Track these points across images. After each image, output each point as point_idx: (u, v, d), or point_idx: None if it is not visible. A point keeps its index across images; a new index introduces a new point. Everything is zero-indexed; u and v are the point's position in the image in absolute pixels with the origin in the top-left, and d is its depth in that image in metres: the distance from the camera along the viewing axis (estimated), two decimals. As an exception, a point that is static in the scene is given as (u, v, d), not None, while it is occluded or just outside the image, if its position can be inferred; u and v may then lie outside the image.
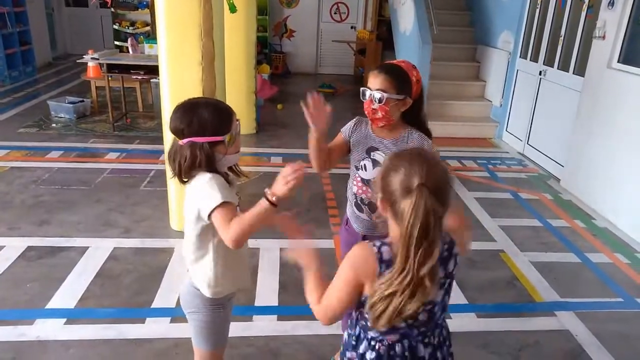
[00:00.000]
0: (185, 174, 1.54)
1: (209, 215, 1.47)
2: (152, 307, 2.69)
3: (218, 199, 1.46)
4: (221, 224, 1.46)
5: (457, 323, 2.69)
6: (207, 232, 1.57)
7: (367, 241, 1.26)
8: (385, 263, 1.20)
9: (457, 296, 2.92)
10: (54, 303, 2.68)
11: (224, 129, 1.53)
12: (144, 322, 2.57)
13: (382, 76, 1.77)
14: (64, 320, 2.55)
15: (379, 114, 1.78)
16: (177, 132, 1.53)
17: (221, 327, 1.78)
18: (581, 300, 2.95)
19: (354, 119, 1.97)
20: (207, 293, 1.65)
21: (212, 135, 1.51)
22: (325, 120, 1.72)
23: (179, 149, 1.53)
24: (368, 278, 1.21)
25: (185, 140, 1.51)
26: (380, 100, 1.75)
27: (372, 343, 1.31)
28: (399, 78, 1.78)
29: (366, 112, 1.83)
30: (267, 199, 1.41)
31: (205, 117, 1.50)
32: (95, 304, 2.69)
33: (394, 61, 1.89)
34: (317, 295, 1.33)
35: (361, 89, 1.82)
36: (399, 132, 1.87)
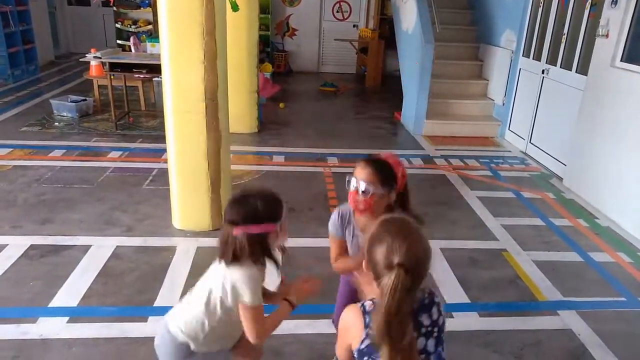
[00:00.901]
0: (237, 260, 1.58)
1: (238, 306, 1.59)
2: (154, 305, 2.70)
3: (254, 300, 1.57)
4: (249, 323, 1.60)
5: (459, 322, 2.69)
6: (224, 306, 1.61)
7: (353, 306, 1.35)
8: (369, 314, 1.29)
9: (459, 295, 2.92)
10: (56, 301, 2.69)
11: (275, 217, 1.59)
12: (146, 321, 2.57)
13: (368, 169, 1.80)
14: (67, 318, 2.56)
15: (362, 206, 1.83)
16: (231, 223, 1.57)
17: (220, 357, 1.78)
18: (584, 299, 2.95)
19: (335, 213, 2.00)
20: (191, 345, 1.65)
21: (266, 223, 1.57)
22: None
23: (232, 239, 1.56)
24: (355, 339, 1.31)
25: (239, 231, 1.55)
26: (365, 193, 1.79)
27: None
28: (384, 173, 1.82)
29: (350, 202, 1.87)
30: (290, 303, 1.70)
31: (259, 207, 1.57)
32: (97, 303, 2.70)
33: (382, 155, 1.92)
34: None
35: (347, 178, 1.86)
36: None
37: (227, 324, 1.65)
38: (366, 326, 1.28)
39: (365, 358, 1.29)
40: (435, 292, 1.38)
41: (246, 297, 1.57)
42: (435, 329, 1.34)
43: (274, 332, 2.48)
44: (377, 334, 1.21)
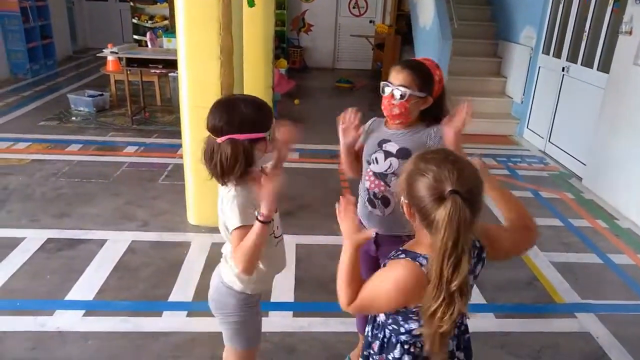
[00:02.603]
0: (226, 174, 1.46)
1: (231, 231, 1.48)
2: (169, 300, 2.71)
3: (237, 222, 1.44)
4: (233, 247, 1.47)
5: (475, 323, 2.61)
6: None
7: (410, 259, 1.19)
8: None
9: (475, 296, 2.88)
10: (72, 295, 2.71)
11: (264, 125, 1.48)
12: (160, 316, 2.59)
13: (405, 72, 1.73)
14: (83, 312, 2.58)
15: (397, 110, 1.75)
16: (215, 131, 1.46)
17: (256, 324, 1.74)
18: (602, 302, 2.89)
19: (371, 120, 1.95)
20: (245, 289, 1.59)
21: (253, 132, 1.45)
22: (353, 134, 1.79)
23: (217, 148, 1.45)
24: (416, 300, 1.17)
25: (224, 138, 1.44)
26: (402, 97, 1.71)
27: (406, 346, 1.30)
28: (422, 75, 1.74)
29: (383, 107, 1.79)
30: (261, 222, 1.41)
31: (246, 113, 1.45)
32: (113, 297, 2.72)
33: (418, 58, 1.85)
34: (350, 292, 1.26)
35: (381, 83, 1.78)
36: (416, 127, 1.83)
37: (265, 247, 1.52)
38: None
39: (411, 315, 1.22)
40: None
41: (229, 219, 1.45)
42: (474, 280, 1.26)
43: (289, 329, 2.51)
44: (431, 269, 1.09)
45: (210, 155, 1.48)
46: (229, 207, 1.46)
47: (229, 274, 1.62)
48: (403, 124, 1.81)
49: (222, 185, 1.51)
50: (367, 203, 1.92)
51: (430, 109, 1.80)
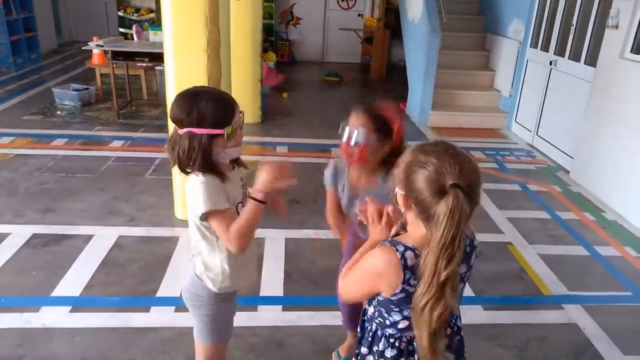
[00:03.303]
0: (184, 164, 1.49)
1: (205, 219, 1.47)
2: (157, 295, 2.68)
3: (207, 205, 1.44)
4: (218, 231, 1.47)
5: (463, 315, 2.65)
6: (210, 228, 1.53)
7: (389, 245, 1.19)
8: (409, 270, 1.15)
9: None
10: (59, 291, 2.68)
11: (224, 122, 1.47)
12: (148, 311, 2.56)
13: (364, 116, 1.74)
14: (69, 308, 2.55)
15: (355, 157, 1.75)
16: (177, 122, 1.48)
17: (227, 320, 1.75)
18: (590, 293, 2.92)
19: (329, 167, 1.99)
20: (213, 287, 1.61)
21: (212, 127, 1.45)
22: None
23: (178, 139, 1.48)
24: (389, 287, 1.18)
25: (184, 130, 1.46)
26: (359, 141, 1.71)
27: (392, 340, 1.29)
28: (379, 122, 1.74)
29: (342, 152, 1.80)
30: (255, 199, 1.42)
31: (205, 108, 1.45)
32: (100, 292, 2.69)
33: (379, 105, 1.84)
34: (347, 268, 1.30)
35: (341, 125, 1.78)
36: (377, 176, 1.82)
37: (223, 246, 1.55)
38: (404, 282, 1.15)
39: (392, 306, 1.22)
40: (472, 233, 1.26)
41: (202, 205, 1.44)
42: (469, 273, 1.26)
43: (279, 323, 2.50)
44: (425, 262, 1.08)
45: (172, 145, 1.50)
46: (196, 194, 1.46)
47: (202, 270, 1.62)
48: (364, 170, 1.82)
49: (184, 173, 1.53)
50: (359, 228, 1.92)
51: (392, 157, 1.75)
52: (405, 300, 1.19)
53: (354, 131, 1.72)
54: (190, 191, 1.49)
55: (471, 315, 2.67)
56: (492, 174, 4.65)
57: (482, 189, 1.13)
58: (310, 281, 2.88)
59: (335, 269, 3.04)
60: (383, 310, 1.26)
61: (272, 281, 2.85)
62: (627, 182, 3.89)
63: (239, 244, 1.45)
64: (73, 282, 2.75)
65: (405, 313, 1.23)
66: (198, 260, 1.63)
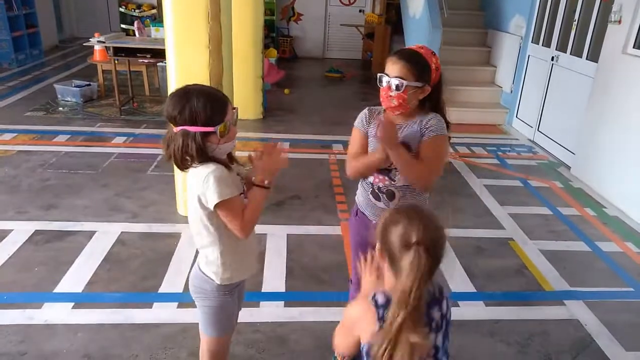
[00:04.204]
0: (180, 162, 1.52)
1: (215, 208, 1.51)
2: (159, 292, 2.69)
3: (221, 195, 1.48)
4: (227, 218, 1.52)
5: (465, 311, 2.67)
6: (212, 220, 1.56)
7: (364, 296, 1.31)
8: (381, 307, 1.24)
9: (465, 284, 2.90)
10: (61, 287, 2.69)
11: (216, 119, 1.49)
12: (151, 307, 2.57)
13: (402, 63, 1.71)
14: (72, 304, 2.56)
15: (395, 102, 1.74)
16: (170, 120, 1.51)
17: (229, 313, 1.77)
18: (591, 289, 2.92)
19: (364, 111, 1.93)
20: (215, 279, 1.64)
21: (204, 125, 1.47)
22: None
23: (172, 137, 1.50)
24: (367, 329, 1.26)
25: (178, 128, 1.48)
26: (398, 88, 1.70)
27: None
28: (419, 65, 1.73)
29: (382, 99, 1.78)
30: (261, 186, 1.56)
31: (197, 106, 1.46)
32: (102, 289, 2.70)
33: (413, 46, 1.83)
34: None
35: (378, 74, 1.77)
36: (415, 117, 1.82)
37: (232, 240, 1.59)
38: (380, 319, 1.24)
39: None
40: (444, 285, 1.37)
41: (211, 196, 1.48)
42: (444, 323, 1.32)
43: (281, 319, 2.51)
44: (391, 319, 1.18)
45: (167, 143, 1.53)
46: (207, 183, 1.48)
47: (205, 263, 1.67)
48: (403, 114, 1.80)
49: (181, 170, 1.56)
50: (370, 196, 1.92)
51: (429, 97, 1.79)
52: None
53: (392, 82, 1.70)
54: (199, 182, 1.50)
55: (472, 311, 2.68)
56: (493, 170, 4.65)
57: (445, 247, 1.25)
58: (312, 277, 2.88)
59: (337, 264, 3.05)
60: None
61: (274, 277, 2.86)
62: (628, 178, 3.88)
63: (248, 230, 1.55)
64: (75, 279, 2.76)
65: None
66: (201, 254, 1.67)
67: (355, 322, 1.31)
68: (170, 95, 1.53)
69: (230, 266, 1.64)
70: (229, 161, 1.61)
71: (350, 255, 2.14)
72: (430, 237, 1.22)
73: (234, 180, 1.56)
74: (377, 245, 1.30)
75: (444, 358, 1.32)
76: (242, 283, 1.79)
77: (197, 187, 1.52)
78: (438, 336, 1.30)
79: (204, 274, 1.67)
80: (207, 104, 1.48)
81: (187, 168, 1.54)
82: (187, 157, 1.50)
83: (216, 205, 1.49)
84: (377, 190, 1.89)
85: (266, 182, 1.56)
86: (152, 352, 2.28)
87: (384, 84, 1.74)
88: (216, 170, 1.49)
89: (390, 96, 1.73)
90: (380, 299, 1.26)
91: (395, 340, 1.18)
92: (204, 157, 1.50)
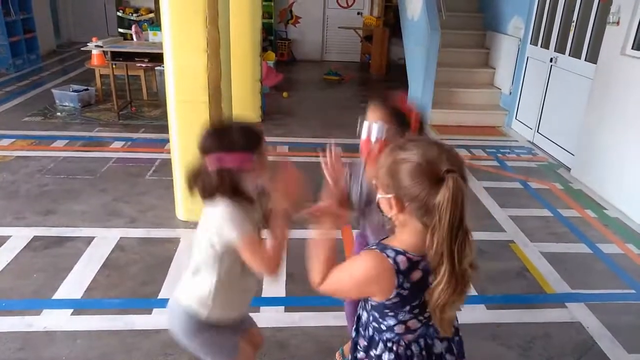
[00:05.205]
0: (212, 194, 1.49)
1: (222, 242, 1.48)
2: (159, 297, 2.67)
3: (243, 233, 1.45)
4: (251, 258, 1.47)
5: (466, 314, 2.64)
6: (217, 257, 1.52)
7: (378, 251, 1.18)
8: (402, 274, 1.14)
9: (466, 287, 2.88)
10: (60, 293, 2.67)
11: (253, 148, 1.50)
12: (150, 313, 2.56)
13: (382, 109, 1.73)
14: (71, 310, 2.54)
15: (376, 152, 1.70)
16: (204, 150, 1.49)
17: (232, 340, 1.67)
18: (592, 291, 2.91)
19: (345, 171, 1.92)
20: (201, 315, 1.57)
21: (240, 156, 1.46)
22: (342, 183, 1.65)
23: (204, 169, 1.48)
24: (382, 293, 1.17)
25: (211, 158, 1.47)
26: (379, 133, 1.69)
27: (389, 344, 1.28)
28: (398, 114, 1.73)
29: (362, 151, 1.77)
30: (283, 216, 1.52)
31: (234, 137, 1.48)
32: (101, 295, 2.68)
33: (393, 97, 1.82)
34: (320, 270, 1.30)
35: (358, 121, 1.76)
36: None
37: (230, 276, 1.54)
38: (399, 286, 1.14)
39: (386, 310, 1.22)
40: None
41: (232, 233, 1.44)
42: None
43: (281, 324, 2.49)
44: (437, 255, 1.08)
45: (195, 176, 1.51)
46: (227, 221, 1.46)
47: (185, 295, 1.59)
48: None
49: (209, 201, 1.51)
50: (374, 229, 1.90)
51: None
52: (400, 304, 1.19)
53: (373, 126, 1.70)
54: (215, 217, 1.49)
55: (474, 314, 2.66)
56: (493, 172, 4.64)
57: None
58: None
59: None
60: (377, 315, 1.26)
61: (274, 282, 2.84)
62: (629, 179, 3.88)
63: (275, 267, 1.49)
64: (74, 285, 2.74)
65: (401, 317, 1.22)
66: (186, 283, 1.60)
67: (367, 281, 1.18)
68: (205, 130, 1.53)
69: (221, 303, 1.57)
70: (260, 193, 1.59)
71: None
72: (456, 162, 1.09)
73: (251, 215, 1.53)
74: (386, 198, 1.15)
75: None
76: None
77: (214, 222, 1.49)
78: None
79: (185, 309, 1.58)
80: (243, 133, 1.50)
81: (215, 200, 1.50)
82: (221, 188, 1.47)
83: (238, 242, 1.46)
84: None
85: (285, 211, 1.51)
86: (152, 359, 2.26)
87: (364, 133, 1.73)
88: (234, 207, 1.47)
89: (370, 146, 1.72)
90: (403, 264, 1.13)
91: (462, 279, 1.09)
92: (238, 187, 1.48)
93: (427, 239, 1.10)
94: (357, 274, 1.20)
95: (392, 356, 1.27)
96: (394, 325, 1.24)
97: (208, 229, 1.51)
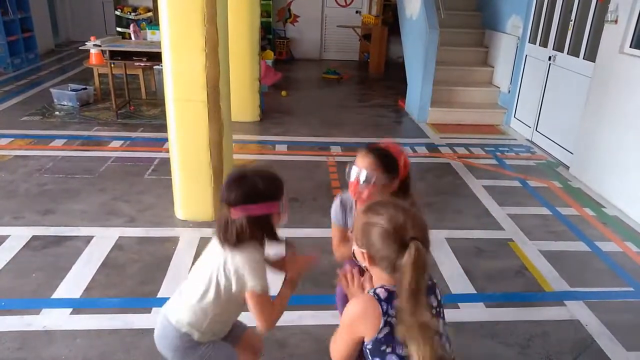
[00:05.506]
0: (241, 244, 1.51)
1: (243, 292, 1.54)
2: (157, 296, 2.67)
3: (261, 286, 1.52)
4: (260, 311, 1.54)
5: (465, 313, 2.66)
6: (230, 296, 1.55)
7: (366, 292, 1.30)
8: (385, 301, 1.23)
9: (465, 286, 2.89)
10: (59, 293, 2.67)
11: (277, 196, 1.53)
12: (150, 312, 2.55)
13: (370, 157, 1.77)
14: (70, 310, 2.54)
15: (365, 195, 1.78)
16: (230, 202, 1.50)
17: (227, 351, 1.70)
18: (591, 289, 2.92)
19: (335, 202, 1.99)
20: (193, 336, 1.59)
21: (267, 204, 1.50)
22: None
23: (231, 220, 1.49)
24: (371, 330, 1.25)
25: (238, 211, 1.48)
26: (367, 180, 1.75)
27: None
28: (387, 160, 1.78)
29: (351, 192, 1.83)
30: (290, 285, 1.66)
31: (260, 186, 1.50)
32: (100, 294, 2.68)
33: (383, 144, 1.88)
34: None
35: (347, 168, 1.81)
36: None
37: (230, 308, 1.61)
38: (384, 313, 1.23)
39: (383, 347, 1.24)
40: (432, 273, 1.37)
41: (253, 283, 1.51)
42: (441, 309, 1.34)
43: (280, 323, 2.48)
44: (404, 314, 1.18)
45: (225, 228, 1.51)
46: (250, 270, 1.51)
47: (178, 316, 1.60)
48: None
49: (231, 250, 1.53)
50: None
51: (397, 193, 1.82)
52: (392, 335, 1.23)
53: (362, 172, 1.76)
54: (241, 263, 1.51)
55: (473, 312, 2.67)
56: (491, 171, 4.65)
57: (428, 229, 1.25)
58: (310, 280, 2.86)
59: (336, 267, 3.03)
60: (378, 359, 1.27)
61: (273, 281, 2.83)
62: (628, 177, 3.88)
63: (273, 324, 1.59)
64: (73, 284, 2.74)
65: (399, 351, 1.25)
66: (181, 307, 1.61)
67: (356, 319, 1.28)
68: (228, 180, 1.54)
69: (213, 330, 1.62)
70: (274, 239, 1.62)
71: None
72: (421, 229, 1.21)
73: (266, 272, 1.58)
74: (360, 251, 1.28)
75: (447, 343, 1.31)
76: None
77: (238, 267, 1.51)
78: (439, 322, 1.30)
79: (178, 329, 1.59)
80: (268, 182, 1.52)
81: (240, 248, 1.52)
82: (251, 238, 1.50)
83: (253, 292, 1.52)
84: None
85: (293, 280, 1.65)
86: (152, 358, 2.25)
87: (353, 177, 1.79)
88: (262, 259, 1.54)
89: (359, 190, 1.79)
90: (382, 294, 1.24)
91: (422, 333, 1.18)
92: (272, 235, 1.55)
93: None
94: (347, 318, 1.30)
95: None
96: None
97: (222, 272, 1.53)
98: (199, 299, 1.57)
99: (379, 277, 1.29)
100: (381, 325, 1.23)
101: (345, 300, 1.40)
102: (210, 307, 1.57)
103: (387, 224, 1.21)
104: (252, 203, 1.48)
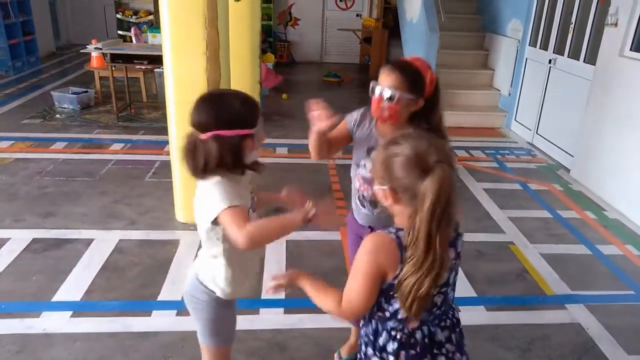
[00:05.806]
0: (210, 171, 1.40)
1: (216, 220, 1.40)
2: (158, 300, 2.67)
3: (225, 204, 1.37)
4: (230, 226, 1.37)
5: (466, 316, 2.61)
6: (216, 235, 1.49)
7: (380, 230, 1.24)
8: (404, 248, 1.18)
9: (466, 289, 2.88)
10: (59, 296, 2.66)
11: (252, 122, 1.42)
12: (150, 315, 2.55)
13: (395, 74, 1.67)
14: (70, 313, 2.54)
15: (387, 113, 1.70)
16: (199, 126, 1.39)
17: (229, 323, 1.74)
18: (592, 293, 2.91)
19: (360, 110, 1.90)
20: (215, 292, 1.59)
21: (242, 128, 1.38)
22: (326, 121, 1.68)
23: (201, 144, 1.38)
24: (391, 266, 1.19)
25: (209, 134, 1.37)
26: (391, 99, 1.66)
27: (393, 333, 1.29)
28: (412, 77, 1.68)
29: (373, 110, 1.75)
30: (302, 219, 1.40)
31: (234, 108, 1.39)
32: (101, 297, 2.68)
33: (409, 58, 1.79)
34: (332, 298, 1.31)
35: (371, 84, 1.73)
36: (404, 129, 1.80)
37: (237, 255, 1.52)
38: (401, 261, 1.17)
39: (392, 292, 1.22)
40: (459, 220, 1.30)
41: (222, 204, 1.35)
42: (458, 261, 1.31)
43: (280, 326, 2.49)
44: (414, 233, 1.13)
45: (192, 153, 1.40)
46: (210, 194, 1.39)
47: (206, 275, 1.59)
48: (393, 125, 1.77)
49: (200, 179, 1.45)
50: (357, 200, 1.94)
51: (422, 111, 1.75)
52: None
53: (385, 90, 1.66)
54: (203, 194, 1.43)
55: (473, 316, 2.66)
56: (492, 173, 4.65)
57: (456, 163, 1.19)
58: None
59: (337, 270, 3.04)
60: (382, 301, 1.26)
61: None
62: (628, 180, 3.88)
63: (250, 243, 1.34)
64: (74, 287, 2.74)
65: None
66: (201, 265, 1.61)
67: (376, 250, 1.20)
68: (198, 101, 1.42)
69: (233, 281, 1.56)
70: (243, 171, 1.50)
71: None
72: (445, 151, 1.15)
73: (244, 193, 1.48)
74: (381, 190, 1.20)
75: (451, 293, 1.32)
76: None
77: (203, 199, 1.44)
78: (451, 275, 1.28)
79: (202, 284, 1.60)
80: (243, 106, 1.40)
81: (210, 176, 1.42)
82: (221, 164, 1.38)
83: (218, 216, 1.38)
84: (362, 198, 1.90)
85: (305, 218, 1.41)
86: (151, 361, 2.26)
87: (376, 93, 1.70)
88: (221, 181, 1.40)
89: (382, 107, 1.69)
90: (404, 238, 1.18)
91: (434, 258, 1.13)
92: (240, 162, 1.41)
93: (411, 220, 1.16)
94: (364, 259, 1.21)
95: (396, 345, 1.28)
96: (399, 310, 1.24)
97: (206, 212, 1.43)
98: (209, 252, 1.55)
99: (402, 219, 1.21)
100: (397, 271, 1.18)
101: (358, 244, 1.29)
102: (220, 258, 1.52)
103: (410, 151, 1.14)
104: (225, 127, 1.36)
